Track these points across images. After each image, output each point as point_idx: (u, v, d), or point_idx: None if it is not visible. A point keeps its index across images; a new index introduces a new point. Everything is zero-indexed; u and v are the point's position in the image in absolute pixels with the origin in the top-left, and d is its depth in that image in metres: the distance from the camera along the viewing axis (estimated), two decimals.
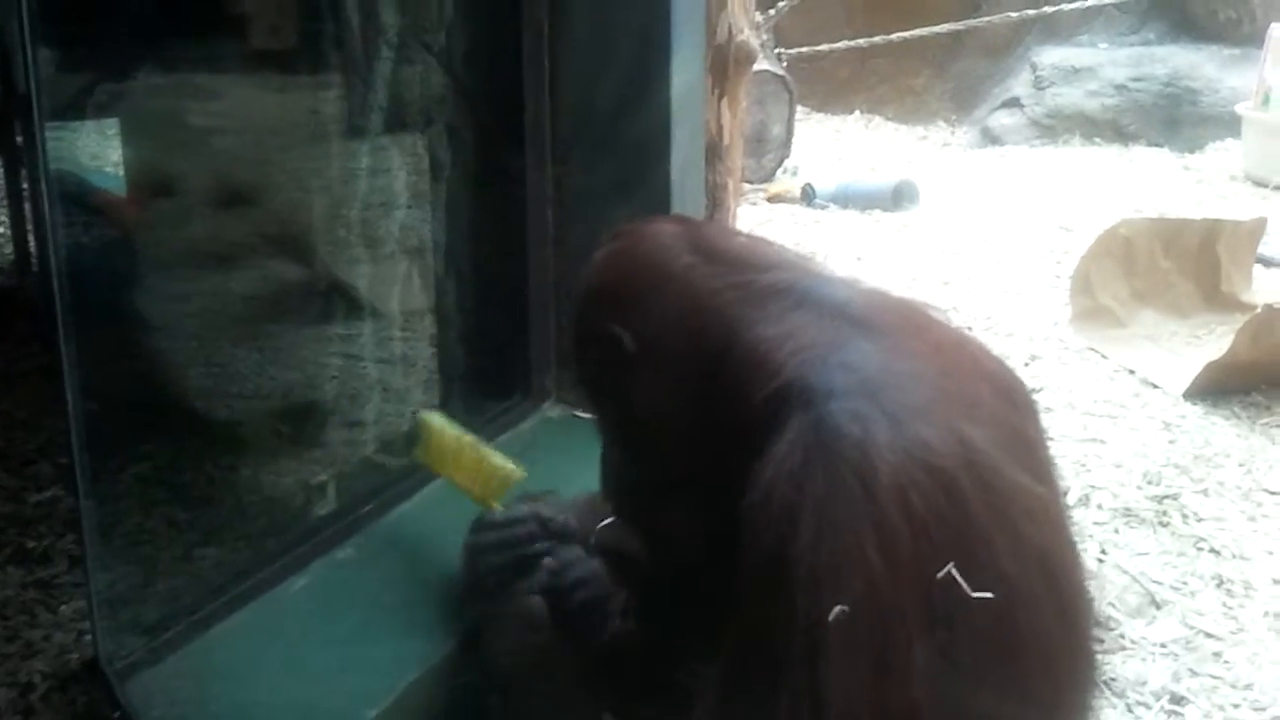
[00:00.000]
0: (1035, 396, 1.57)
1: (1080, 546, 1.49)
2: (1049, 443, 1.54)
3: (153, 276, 3.10)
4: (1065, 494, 1.54)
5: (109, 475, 2.30)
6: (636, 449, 1.62)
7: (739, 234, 1.70)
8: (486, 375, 2.84)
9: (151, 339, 2.99)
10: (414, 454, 2.20)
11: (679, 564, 1.59)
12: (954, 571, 1.21)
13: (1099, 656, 1.49)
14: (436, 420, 2.15)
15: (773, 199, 6.59)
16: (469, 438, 2.12)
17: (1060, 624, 1.35)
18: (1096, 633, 1.47)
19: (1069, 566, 1.40)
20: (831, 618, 1.20)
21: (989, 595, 1.22)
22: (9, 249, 4.53)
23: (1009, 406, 1.46)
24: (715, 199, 3.19)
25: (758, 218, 6.08)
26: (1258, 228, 4.76)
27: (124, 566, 2.07)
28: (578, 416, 2.67)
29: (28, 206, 4.25)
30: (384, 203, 3.03)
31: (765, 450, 1.30)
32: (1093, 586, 1.45)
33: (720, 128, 3.40)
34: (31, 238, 4.23)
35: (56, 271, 1.66)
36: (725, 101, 3.47)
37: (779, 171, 7.06)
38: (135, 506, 2.52)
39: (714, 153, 3.16)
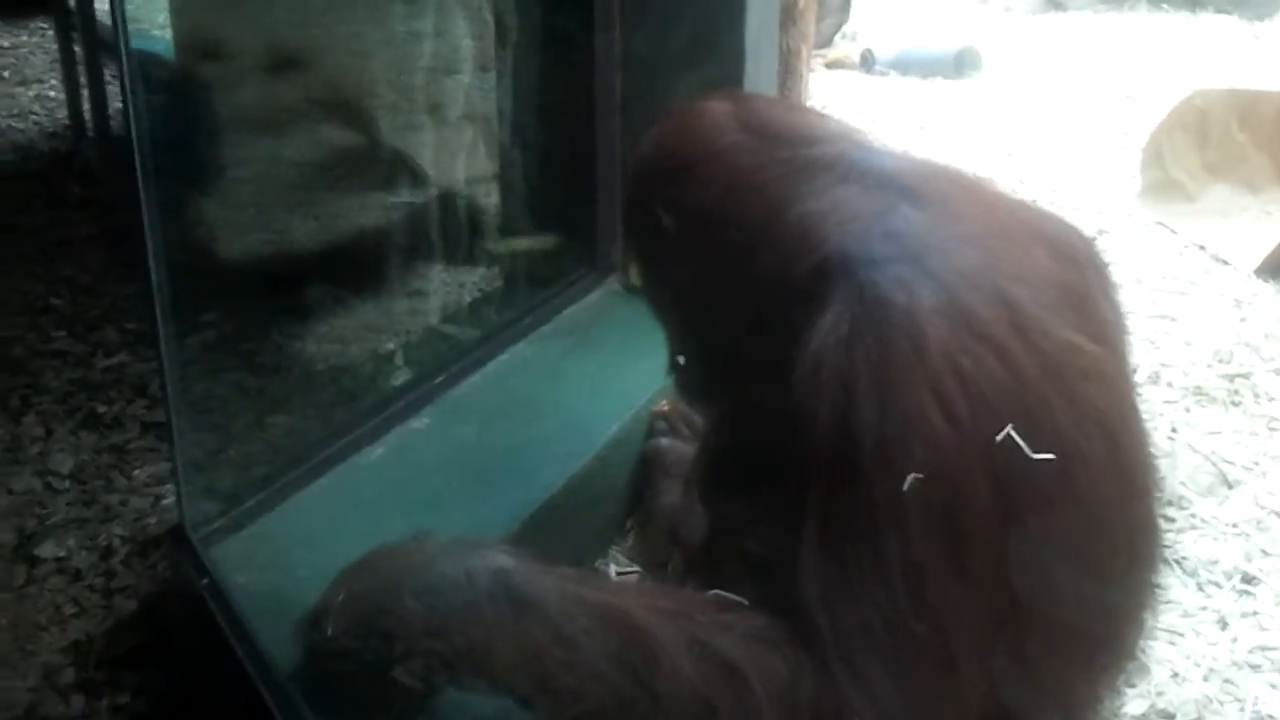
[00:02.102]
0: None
1: (1143, 411, 1.46)
2: (1119, 305, 1.53)
3: (209, 144, 3.07)
4: (1130, 356, 1.51)
5: (180, 342, 2.30)
6: (685, 326, 1.63)
7: (794, 108, 1.68)
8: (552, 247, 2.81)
9: (214, 206, 2.97)
10: None
11: (734, 437, 1.59)
12: (1013, 433, 1.22)
13: (1163, 525, 1.49)
14: None
15: (831, 65, 6.44)
16: None
17: (1120, 484, 1.35)
18: (1159, 497, 1.46)
19: (1129, 426, 1.40)
20: (907, 485, 1.21)
21: (1050, 456, 1.22)
22: (63, 113, 4.50)
23: (1066, 267, 1.43)
24: (788, 66, 3.11)
25: (816, 86, 5.94)
26: None
27: (204, 434, 2.08)
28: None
29: (81, 70, 4.22)
30: (448, 68, 2.97)
31: (811, 323, 1.29)
32: (1161, 459, 1.44)
33: None
34: (87, 102, 4.21)
35: (138, 137, 1.63)
36: None
37: (837, 37, 6.88)
38: (206, 375, 2.53)
39: (788, 16, 3.06)
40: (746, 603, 1.35)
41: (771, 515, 1.41)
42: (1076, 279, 1.44)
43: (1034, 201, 1.60)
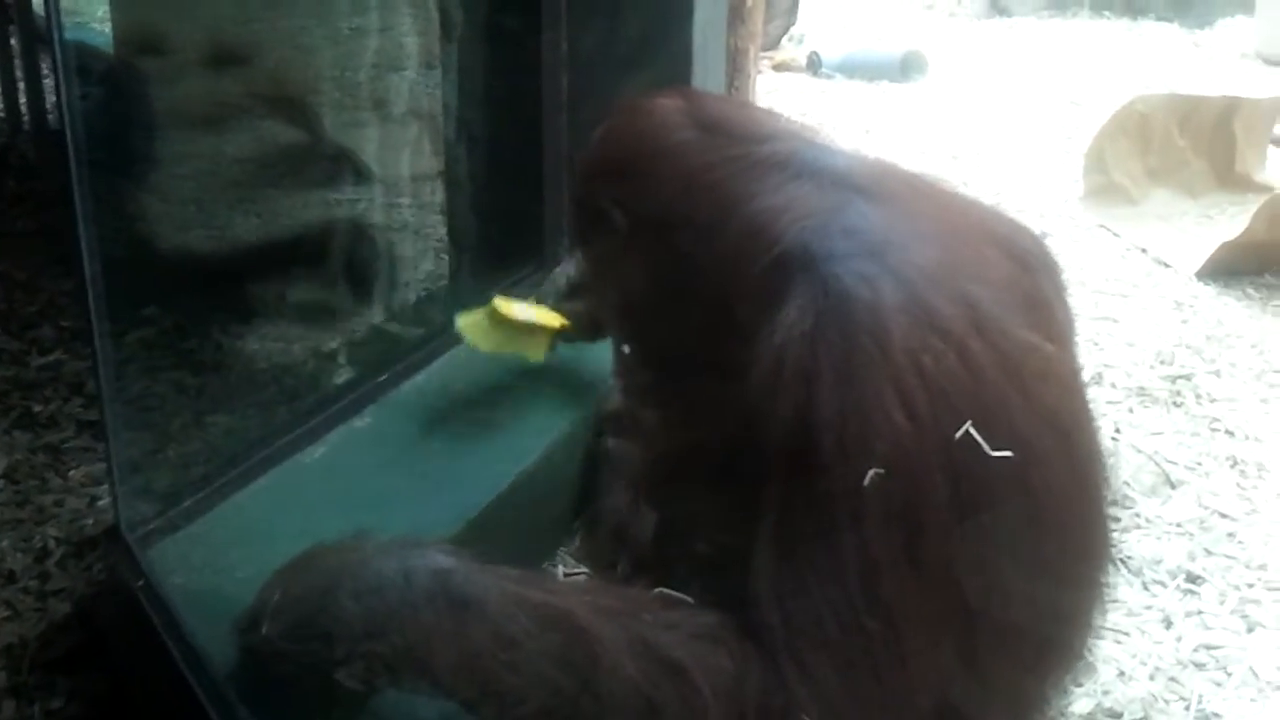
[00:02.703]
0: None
1: (1094, 410, 1.47)
2: (1069, 305, 1.53)
3: (148, 139, 3.02)
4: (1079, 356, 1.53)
5: (116, 340, 2.26)
6: (634, 325, 1.61)
7: (744, 105, 1.67)
8: (499, 243, 2.78)
9: (152, 203, 2.92)
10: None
11: (684, 436, 1.58)
12: (972, 430, 1.21)
13: (1113, 526, 1.49)
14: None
15: (778, 67, 6.46)
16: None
17: (1073, 483, 1.35)
18: (1110, 500, 1.47)
19: (1082, 425, 1.40)
20: (867, 482, 1.20)
21: (1007, 454, 1.22)
22: None
23: (1019, 268, 1.44)
24: (736, 65, 3.10)
25: (762, 87, 5.96)
26: (1275, 107, 4.69)
27: (143, 433, 2.03)
28: None
29: (18, 64, 4.14)
30: (393, 64, 2.94)
31: (768, 319, 1.28)
32: (1107, 455, 1.44)
33: None
34: (23, 95, 4.13)
35: (72, 132, 1.59)
36: None
37: (784, 39, 6.90)
38: (144, 373, 2.48)
39: (736, 16, 3.06)
40: (692, 601, 1.33)
41: (722, 513, 1.40)
42: (1029, 279, 1.44)
43: (985, 201, 1.59)
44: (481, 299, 2.18)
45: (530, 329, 2.15)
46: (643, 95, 1.58)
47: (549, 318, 2.14)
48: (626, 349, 1.66)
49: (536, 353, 2.16)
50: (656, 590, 1.35)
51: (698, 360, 1.47)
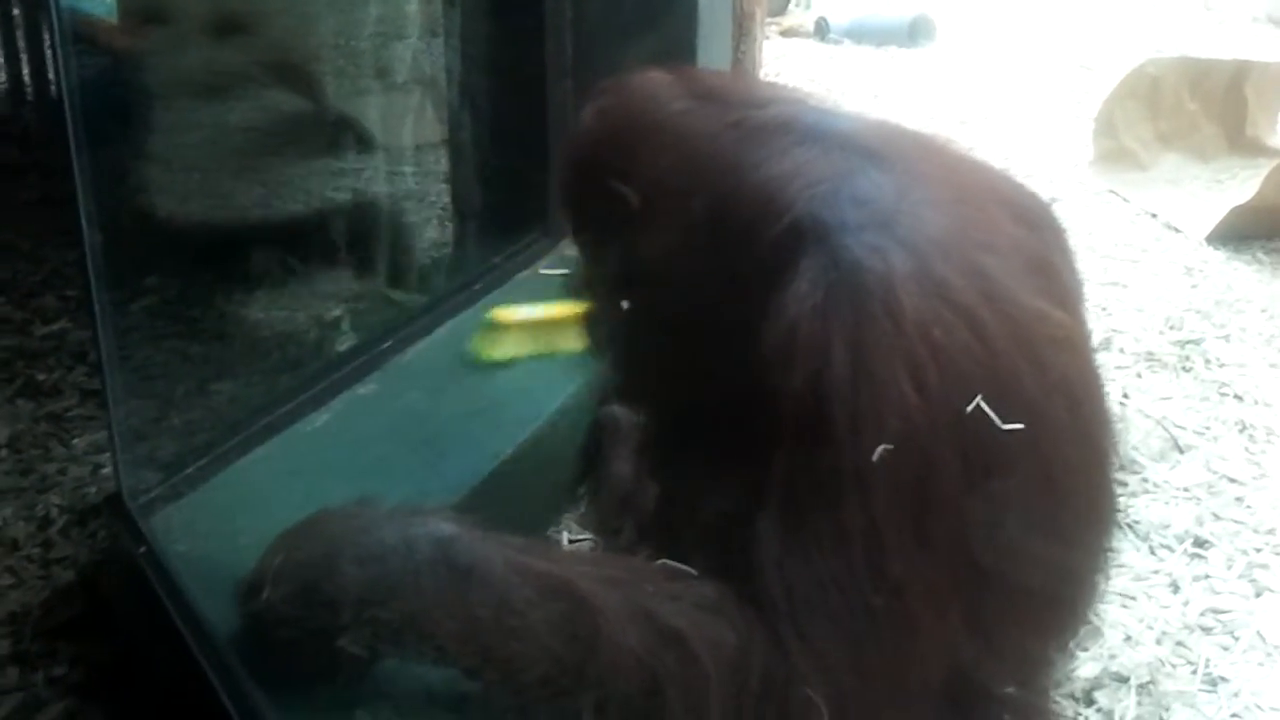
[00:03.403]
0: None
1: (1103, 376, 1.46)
2: (1076, 268, 1.51)
3: (151, 108, 3.00)
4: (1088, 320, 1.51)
5: (119, 308, 2.25)
6: (636, 297, 1.57)
7: (737, 76, 1.64)
8: (503, 210, 2.76)
9: (155, 172, 2.91)
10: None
11: (688, 406, 1.56)
12: (983, 404, 1.20)
13: (1119, 491, 1.48)
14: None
15: (785, 33, 6.42)
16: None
17: (1083, 450, 1.34)
18: (1117, 462, 1.45)
19: (1092, 392, 1.38)
20: (876, 456, 1.19)
21: (1019, 426, 1.21)
22: (1, 77, 4.40)
23: (1027, 231, 1.42)
24: (742, 29, 3.07)
25: (769, 52, 5.92)
26: None
27: (144, 401, 2.03)
28: None
29: (19, 33, 4.12)
30: (395, 32, 2.92)
31: (779, 289, 1.26)
32: (1115, 421, 1.44)
33: None
34: (25, 65, 4.11)
35: (70, 101, 1.58)
36: None
37: (791, 5, 6.86)
38: (147, 341, 2.48)
39: None
40: (696, 573, 1.32)
41: (726, 484, 1.39)
42: (1038, 243, 1.42)
43: (991, 163, 1.57)
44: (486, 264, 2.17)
45: (547, 326, 2.15)
46: (631, 71, 1.56)
47: (563, 309, 2.09)
48: (625, 322, 1.63)
49: (567, 344, 2.09)
50: (660, 561, 1.35)
51: (703, 329, 1.46)
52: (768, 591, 1.24)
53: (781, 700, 1.23)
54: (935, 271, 1.24)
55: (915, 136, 1.48)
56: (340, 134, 3.05)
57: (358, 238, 2.79)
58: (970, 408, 1.20)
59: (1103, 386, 1.44)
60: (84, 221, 1.63)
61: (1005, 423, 1.21)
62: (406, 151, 2.99)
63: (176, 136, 3.00)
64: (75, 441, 2.33)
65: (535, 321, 2.16)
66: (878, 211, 1.29)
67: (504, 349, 2.18)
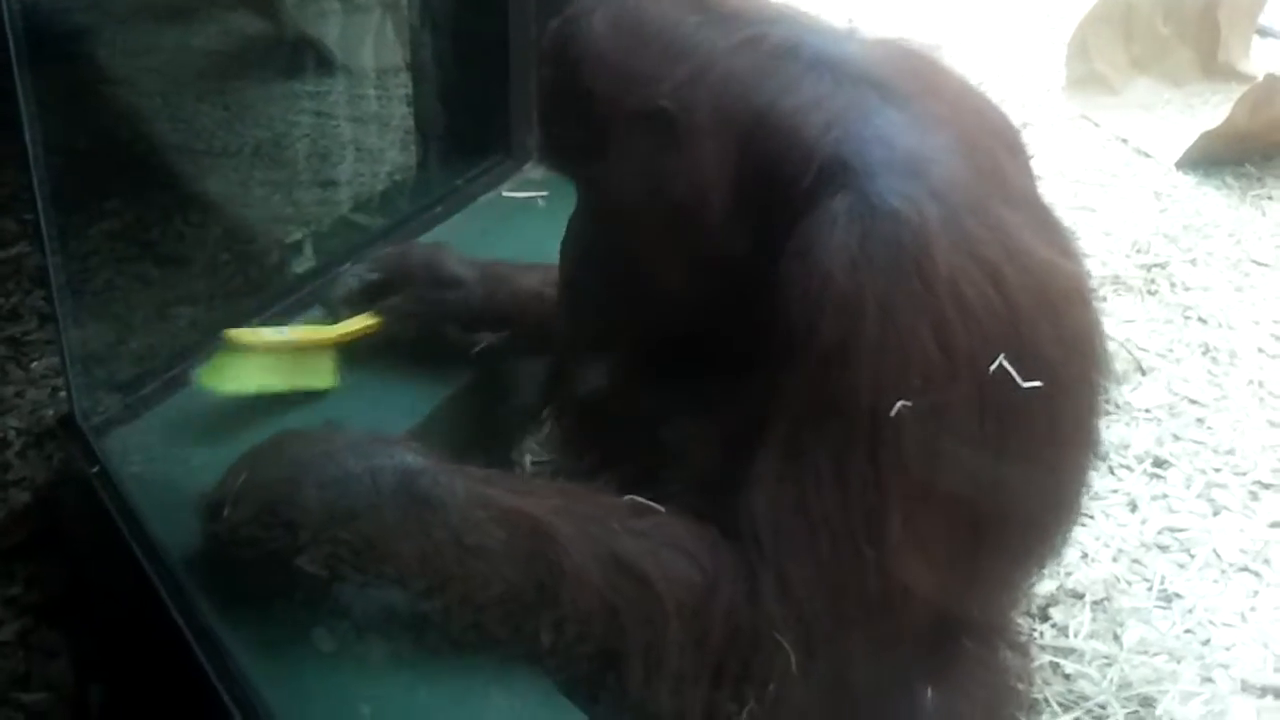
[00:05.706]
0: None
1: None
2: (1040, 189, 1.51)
3: (109, 28, 2.95)
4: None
5: (77, 231, 2.22)
6: (629, 228, 1.50)
7: None
8: (465, 133, 2.73)
9: (113, 94, 2.86)
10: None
11: (662, 334, 1.55)
12: (1005, 363, 1.22)
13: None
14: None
15: None
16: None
17: (1086, 396, 1.37)
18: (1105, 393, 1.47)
19: (1096, 340, 1.39)
20: (894, 412, 1.20)
21: (1038, 384, 1.23)
22: None
23: (1018, 165, 1.44)
24: None
25: None
26: None
27: (97, 323, 2.00)
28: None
29: None
30: None
31: (803, 231, 1.26)
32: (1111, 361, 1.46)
33: None
34: None
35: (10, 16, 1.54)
36: None
37: None
38: (105, 264, 2.45)
39: None
40: (663, 510, 1.32)
41: (717, 418, 1.38)
42: (1026, 177, 1.45)
43: (974, 85, 1.56)
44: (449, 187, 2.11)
45: (296, 352, 1.79)
46: None
47: (320, 333, 1.83)
48: (615, 252, 1.57)
49: (320, 378, 1.79)
50: (627, 497, 1.34)
51: (704, 254, 1.41)
52: (752, 529, 1.25)
53: (748, 645, 1.24)
54: (965, 227, 1.25)
55: (916, 60, 1.47)
56: (301, 55, 3.01)
57: (319, 160, 2.76)
58: (993, 368, 1.22)
59: (1103, 331, 1.44)
60: (30, 143, 1.61)
61: (1024, 381, 1.23)
62: (368, 72, 2.95)
63: (135, 59, 2.96)
64: (34, 365, 2.31)
65: (281, 345, 1.78)
66: (906, 159, 1.28)
67: (240, 380, 1.72)
